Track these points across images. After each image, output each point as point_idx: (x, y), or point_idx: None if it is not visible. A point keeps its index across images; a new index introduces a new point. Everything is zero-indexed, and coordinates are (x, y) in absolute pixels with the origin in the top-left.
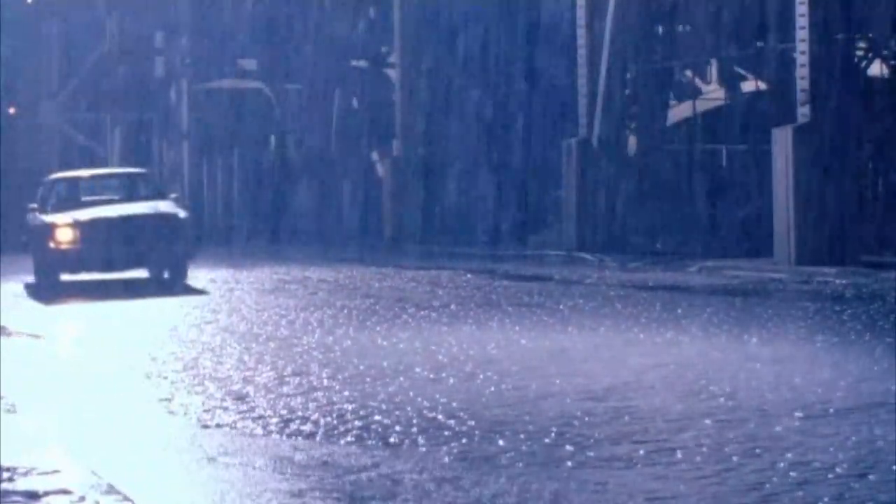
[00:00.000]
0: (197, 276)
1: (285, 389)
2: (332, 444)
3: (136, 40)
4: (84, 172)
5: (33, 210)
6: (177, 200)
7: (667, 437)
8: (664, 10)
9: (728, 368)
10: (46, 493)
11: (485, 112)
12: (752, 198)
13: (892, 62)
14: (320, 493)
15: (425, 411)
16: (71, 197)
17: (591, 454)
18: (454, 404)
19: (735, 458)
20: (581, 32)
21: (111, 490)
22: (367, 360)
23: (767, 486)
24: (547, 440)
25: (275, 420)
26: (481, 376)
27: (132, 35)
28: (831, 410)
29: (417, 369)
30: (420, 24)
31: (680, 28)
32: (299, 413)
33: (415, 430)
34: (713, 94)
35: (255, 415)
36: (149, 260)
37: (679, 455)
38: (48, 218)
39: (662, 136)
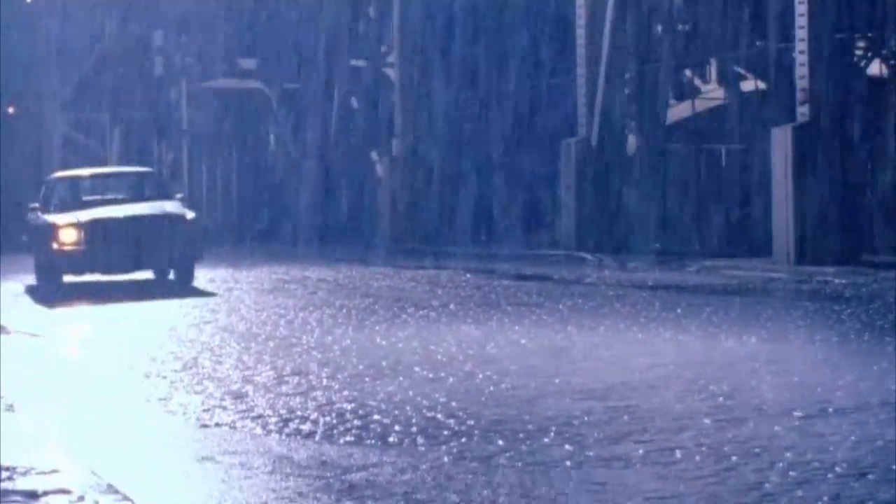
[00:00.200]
0: (196, 275)
1: (284, 389)
2: (331, 444)
3: (136, 40)
4: (88, 172)
5: (35, 210)
6: (183, 200)
7: (666, 437)
8: (664, 10)
9: (727, 368)
10: (45, 493)
11: (484, 112)
12: (751, 197)
13: (892, 62)
14: (319, 493)
15: (424, 411)
16: (74, 197)
17: (591, 454)
18: (453, 404)
19: (734, 458)
20: (581, 32)
21: (110, 490)
22: (366, 359)
23: (767, 485)
24: (546, 440)
25: (274, 419)
26: (480, 376)
27: (132, 35)
28: (830, 410)
29: (416, 369)
30: (420, 23)
31: (679, 28)
32: (298, 412)
33: (414, 429)
34: (712, 93)
35: (254, 414)
36: (155, 262)
37: (678, 455)
38: (51, 218)
39: (662, 136)
